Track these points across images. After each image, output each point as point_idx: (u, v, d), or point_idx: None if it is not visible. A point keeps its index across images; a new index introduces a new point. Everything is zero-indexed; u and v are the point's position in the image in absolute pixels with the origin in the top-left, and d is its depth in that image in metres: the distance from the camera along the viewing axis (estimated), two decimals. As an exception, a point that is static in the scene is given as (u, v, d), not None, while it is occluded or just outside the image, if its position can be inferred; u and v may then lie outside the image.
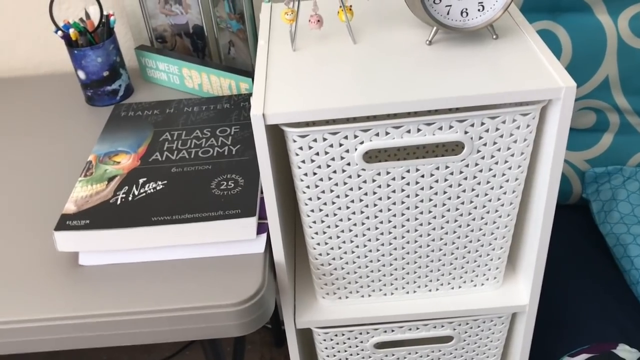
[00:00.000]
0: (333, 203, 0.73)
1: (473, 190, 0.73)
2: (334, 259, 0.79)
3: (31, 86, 1.13)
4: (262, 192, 0.74)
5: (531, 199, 0.77)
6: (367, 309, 0.84)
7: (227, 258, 0.75)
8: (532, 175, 0.76)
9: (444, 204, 0.74)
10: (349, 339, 0.87)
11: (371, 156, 0.96)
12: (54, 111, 1.04)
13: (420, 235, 0.77)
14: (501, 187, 0.73)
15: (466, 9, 0.71)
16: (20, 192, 0.86)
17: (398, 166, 0.70)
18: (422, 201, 0.73)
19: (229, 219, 0.73)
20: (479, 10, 0.71)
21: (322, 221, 0.74)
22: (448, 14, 0.71)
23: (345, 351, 0.89)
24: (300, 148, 0.67)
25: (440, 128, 0.67)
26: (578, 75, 1.09)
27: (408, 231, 0.76)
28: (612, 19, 1.05)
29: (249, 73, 0.98)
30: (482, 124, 0.67)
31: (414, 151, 0.96)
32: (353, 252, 0.78)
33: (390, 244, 0.77)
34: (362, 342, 0.88)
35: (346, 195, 0.72)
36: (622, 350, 0.92)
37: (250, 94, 0.97)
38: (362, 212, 0.74)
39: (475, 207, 0.75)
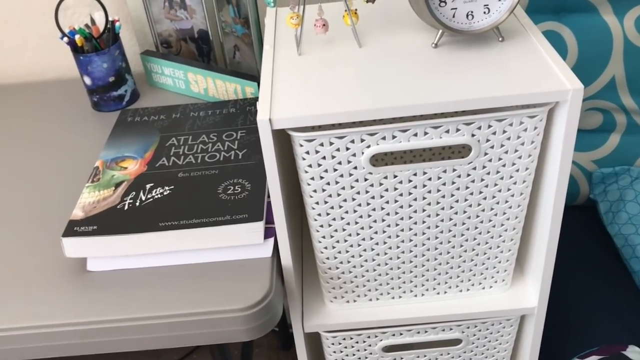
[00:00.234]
0: (340, 207, 0.72)
1: (480, 192, 0.73)
2: (341, 262, 0.79)
3: (37, 92, 1.13)
4: (269, 197, 0.74)
5: (539, 200, 0.77)
6: (375, 312, 0.84)
7: (235, 263, 0.75)
8: (540, 177, 0.75)
9: (451, 207, 0.74)
10: (357, 342, 0.87)
11: (378, 160, 0.96)
12: (60, 117, 1.04)
13: (428, 238, 0.77)
14: (509, 189, 0.73)
15: (472, 12, 0.71)
16: (27, 198, 0.86)
17: (405, 169, 0.70)
18: (429, 204, 0.73)
19: (236, 224, 0.73)
20: (484, 12, 0.71)
21: (330, 225, 0.74)
22: (454, 16, 0.71)
23: (354, 355, 0.89)
24: (307, 152, 0.67)
25: (447, 131, 0.67)
26: (584, 76, 1.09)
27: (415, 234, 0.76)
28: (618, 19, 1.05)
29: (255, 77, 0.98)
30: (489, 126, 0.67)
31: (420, 154, 0.96)
32: (360, 255, 0.78)
33: (398, 247, 0.77)
34: (370, 345, 0.88)
35: (353, 199, 0.72)
36: (632, 351, 0.92)
37: (256, 98, 0.98)
38: (369, 216, 0.74)
39: (483, 210, 0.74)
